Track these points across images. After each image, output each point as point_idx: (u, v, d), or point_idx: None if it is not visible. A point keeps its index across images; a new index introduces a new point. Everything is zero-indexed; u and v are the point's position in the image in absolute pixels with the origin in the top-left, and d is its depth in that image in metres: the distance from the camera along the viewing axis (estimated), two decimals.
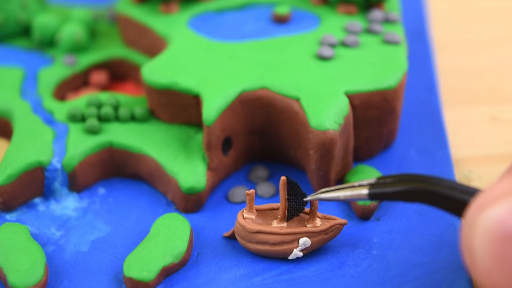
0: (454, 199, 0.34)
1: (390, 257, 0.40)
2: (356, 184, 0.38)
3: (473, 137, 0.49)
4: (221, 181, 0.45)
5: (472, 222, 0.31)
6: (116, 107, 0.46)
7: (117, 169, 0.45)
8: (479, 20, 0.61)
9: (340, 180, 0.44)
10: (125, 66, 0.52)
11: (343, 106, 0.42)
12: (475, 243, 0.31)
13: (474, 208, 0.31)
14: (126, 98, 0.47)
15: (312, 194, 0.39)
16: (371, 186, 0.37)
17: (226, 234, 0.42)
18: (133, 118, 0.46)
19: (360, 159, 0.46)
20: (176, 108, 0.45)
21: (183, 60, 0.46)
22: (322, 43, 0.46)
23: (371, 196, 0.37)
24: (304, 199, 0.39)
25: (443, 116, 0.49)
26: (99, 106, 0.46)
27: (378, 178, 0.37)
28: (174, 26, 0.49)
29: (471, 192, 0.35)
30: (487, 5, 0.62)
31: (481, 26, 0.60)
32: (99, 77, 0.51)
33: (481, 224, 0.31)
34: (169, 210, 0.43)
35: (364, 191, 0.37)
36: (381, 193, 0.36)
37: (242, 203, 0.44)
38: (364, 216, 0.42)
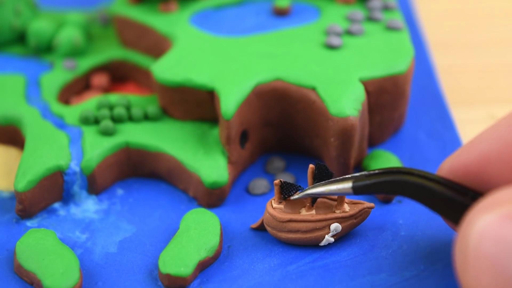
0: (444, 196, 0.35)
1: (418, 237, 0.41)
2: (347, 176, 0.38)
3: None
4: (239, 174, 0.45)
5: (473, 221, 0.31)
6: (128, 108, 0.46)
7: (133, 169, 0.45)
8: (478, 20, 0.61)
9: (358, 166, 0.45)
10: (125, 67, 0.52)
11: (359, 93, 0.43)
12: (471, 242, 0.31)
13: (477, 208, 0.31)
14: (134, 98, 0.47)
15: (299, 192, 0.40)
16: (355, 179, 0.37)
17: (254, 225, 0.42)
18: (146, 118, 0.46)
19: (373, 144, 0.47)
20: (190, 104, 0.45)
21: (193, 56, 0.46)
22: (328, 32, 0.47)
23: (355, 189, 0.37)
24: (291, 198, 0.40)
25: (445, 97, 0.51)
26: (110, 107, 0.46)
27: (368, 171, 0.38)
28: (176, 24, 0.49)
29: (463, 191, 0.35)
30: (487, 5, 0.63)
31: (480, 26, 0.60)
32: (100, 79, 0.51)
33: (480, 224, 0.30)
34: (191, 206, 0.44)
35: (349, 185, 0.38)
36: (363, 186, 0.37)
37: (263, 195, 0.44)
38: (387, 198, 0.43)
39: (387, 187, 0.37)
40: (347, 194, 0.38)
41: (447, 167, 0.36)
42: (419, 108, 0.50)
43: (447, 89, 0.53)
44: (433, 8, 0.62)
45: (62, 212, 0.43)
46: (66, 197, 0.44)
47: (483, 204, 0.31)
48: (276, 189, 0.40)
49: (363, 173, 0.38)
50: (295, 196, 0.40)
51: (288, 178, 0.44)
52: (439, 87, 0.51)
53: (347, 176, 0.38)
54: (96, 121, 0.45)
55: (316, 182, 0.40)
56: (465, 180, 0.36)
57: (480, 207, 0.31)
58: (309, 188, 0.39)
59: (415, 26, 0.57)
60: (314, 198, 0.40)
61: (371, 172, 0.38)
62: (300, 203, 0.41)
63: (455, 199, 0.35)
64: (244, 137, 0.45)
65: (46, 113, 0.47)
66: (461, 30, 0.60)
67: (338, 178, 0.38)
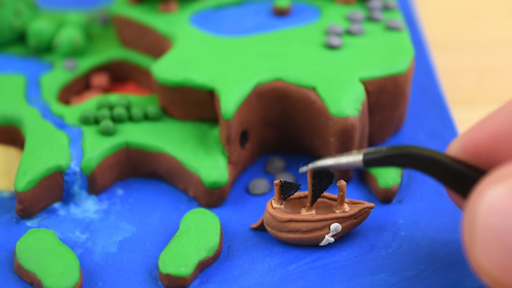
0: (454, 170, 0.35)
1: (418, 237, 0.41)
2: (354, 151, 0.38)
3: None
4: (239, 174, 0.45)
5: (482, 193, 0.31)
6: (128, 108, 0.46)
7: (133, 169, 0.45)
8: (478, 20, 0.61)
9: None
10: (125, 67, 0.52)
11: (359, 93, 0.43)
12: (479, 215, 0.31)
13: (486, 181, 0.31)
14: (134, 98, 0.47)
15: (308, 164, 0.39)
16: (366, 153, 0.37)
17: (254, 225, 0.42)
18: (146, 118, 0.46)
19: (373, 144, 0.47)
20: (190, 104, 0.45)
21: (193, 56, 0.46)
22: (328, 32, 0.47)
23: (365, 161, 0.37)
24: (300, 171, 0.40)
25: (445, 97, 0.51)
26: (110, 107, 0.46)
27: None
28: (176, 24, 0.49)
29: (472, 168, 0.35)
30: (487, 5, 0.63)
31: (480, 26, 0.60)
32: (100, 79, 0.51)
33: (489, 197, 0.30)
34: (192, 206, 0.44)
35: (359, 157, 0.37)
36: (373, 159, 0.37)
37: (263, 195, 0.44)
38: (387, 198, 0.43)
39: (398, 160, 0.36)
40: (357, 166, 0.38)
41: (458, 144, 0.36)
42: (419, 108, 0.50)
43: (447, 89, 0.53)
44: (433, 8, 0.62)
45: (62, 212, 0.43)
46: (66, 197, 0.44)
47: (491, 177, 0.31)
48: (276, 189, 0.40)
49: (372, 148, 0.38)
50: (304, 169, 0.39)
51: (288, 178, 0.44)
52: (439, 87, 0.51)
53: (356, 150, 0.38)
54: (96, 121, 0.45)
55: (316, 182, 0.40)
56: (475, 158, 0.35)
57: (489, 180, 0.31)
58: (318, 161, 0.39)
59: (415, 26, 0.57)
60: (314, 198, 0.40)
61: (382, 147, 0.37)
62: (300, 203, 0.41)
63: (465, 172, 0.35)
64: (244, 137, 0.45)
65: (46, 113, 0.47)
66: (461, 30, 0.60)
67: (345, 153, 0.38)
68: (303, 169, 0.40)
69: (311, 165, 0.39)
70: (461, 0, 0.63)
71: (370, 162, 0.37)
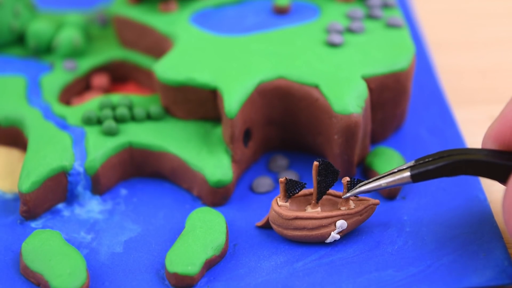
0: (496, 165, 0.36)
1: (423, 233, 0.41)
2: (395, 170, 0.39)
3: (473, 137, 0.48)
4: (243, 172, 0.45)
5: None
6: (130, 108, 0.46)
7: (136, 169, 0.45)
8: (478, 20, 0.61)
9: (361, 163, 0.45)
10: (125, 67, 0.52)
11: (362, 90, 0.43)
12: None
13: None
14: (136, 98, 0.47)
15: (351, 190, 0.40)
16: (412, 167, 0.38)
17: (259, 223, 0.42)
18: (148, 117, 0.46)
19: (375, 142, 0.47)
20: (193, 104, 0.45)
21: (195, 56, 0.46)
22: (329, 30, 0.47)
23: (414, 177, 0.38)
24: (343, 197, 0.40)
25: (445, 94, 0.51)
26: (113, 107, 0.46)
27: (416, 160, 0.38)
28: (176, 24, 0.49)
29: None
30: (487, 5, 0.62)
31: (480, 26, 0.60)
32: (100, 80, 0.51)
33: None
34: (196, 205, 0.44)
35: (406, 174, 0.38)
36: (423, 172, 0.37)
37: (267, 193, 0.44)
38: (391, 195, 0.43)
39: (447, 170, 0.37)
40: (406, 183, 0.38)
41: (494, 133, 0.38)
42: (420, 105, 0.50)
43: (448, 89, 0.53)
44: (433, 8, 0.62)
45: (66, 212, 0.43)
46: (70, 197, 0.44)
47: None
48: (281, 187, 0.40)
49: (413, 162, 0.38)
50: (347, 195, 0.40)
51: (292, 176, 0.45)
52: (439, 84, 0.52)
53: (397, 168, 0.39)
54: (99, 122, 0.45)
55: (321, 179, 0.40)
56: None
57: None
58: (360, 186, 0.39)
59: (414, 26, 0.57)
60: (319, 195, 0.40)
61: (425, 160, 0.38)
62: (305, 200, 0.41)
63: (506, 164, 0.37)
64: (247, 135, 0.45)
65: (48, 114, 0.46)
66: (461, 30, 0.60)
67: (387, 172, 0.39)
68: (348, 195, 0.40)
69: (354, 191, 0.40)
70: (461, 0, 0.63)
71: (419, 176, 0.38)
